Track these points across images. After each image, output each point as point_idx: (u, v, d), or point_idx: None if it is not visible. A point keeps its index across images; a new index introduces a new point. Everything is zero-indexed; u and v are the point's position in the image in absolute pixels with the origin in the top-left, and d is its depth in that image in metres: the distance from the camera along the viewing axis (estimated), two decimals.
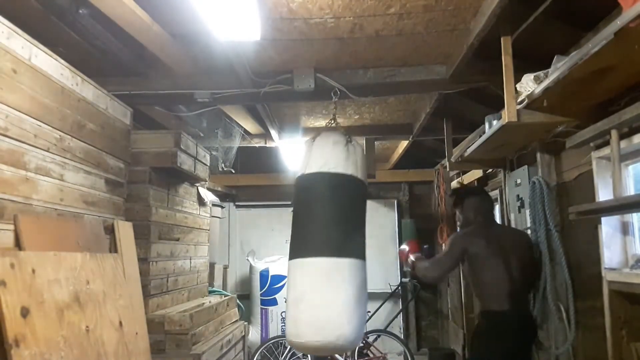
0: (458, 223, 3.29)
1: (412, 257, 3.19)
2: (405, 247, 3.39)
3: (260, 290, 6.10)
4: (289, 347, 5.24)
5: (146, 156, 3.38)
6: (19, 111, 2.05)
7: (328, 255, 2.40)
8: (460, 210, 3.14)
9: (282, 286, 6.03)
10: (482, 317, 2.88)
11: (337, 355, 5.37)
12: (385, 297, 6.20)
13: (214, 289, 5.03)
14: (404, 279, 6.33)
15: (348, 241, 2.46)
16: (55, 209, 2.30)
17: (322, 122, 4.56)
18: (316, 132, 2.67)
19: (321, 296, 2.38)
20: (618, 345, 2.36)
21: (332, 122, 2.99)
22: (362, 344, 5.49)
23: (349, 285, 2.40)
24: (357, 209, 2.57)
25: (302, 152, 2.64)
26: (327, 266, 2.41)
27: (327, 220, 2.45)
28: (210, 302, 4.06)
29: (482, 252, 2.79)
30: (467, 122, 4.14)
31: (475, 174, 4.61)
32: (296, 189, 2.64)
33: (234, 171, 5.13)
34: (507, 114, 2.53)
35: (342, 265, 2.42)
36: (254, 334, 5.99)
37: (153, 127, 4.05)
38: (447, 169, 4.61)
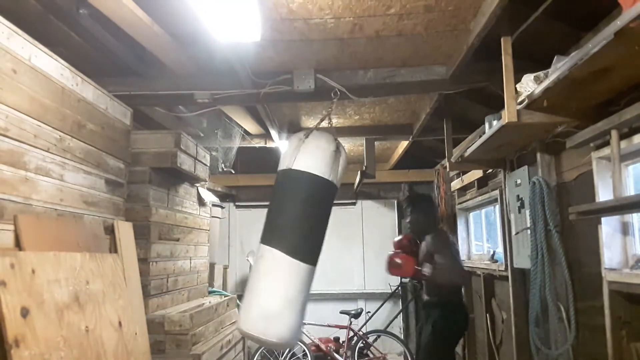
0: (412, 230, 3.75)
1: (426, 270, 3.31)
2: (398, 260, 3.50)
3: None
4: None
5: (146, 156, 3.38)
6: (19, 111, 2.05)
7: (285, 252, 2.43)
8: (416, 220, 3.70)
9: None
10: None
11: (337, 355, 5.38)
12: (385, 297, 6.20)
13: (214, 289, 5.03)
14: (403, 279, 6.33)
15: (306, 245, 2.50)
16: (55, 209, 2.30)
17: (322, 123, 4.56)
18: (308, 130, 2.68)
19: (266, 286, 2.44)
20: (618, 345, 2.36)
21: (328, 122, 2.99)
22: (362, 345, 5.50)
23: (293, 286, 2.44)
24: (326, 213, 2.61)
25: (292, 145, 2.64)
26: (281, 261, 2.44)
27: (294, 218, 2.50)
28: (210, 302, 4.06)
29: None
30: (467, 122, 4.14)
31: (475, 174, 4.61)
32: (278, 180, 2.66)
33: (234, 171, 5.13)
34: (507, 114, 2.53)
35: (293, 266, 2.45)
36: None
37: (153, 127, 4.05)
38: (447, 169, 4.61)
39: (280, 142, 4.63)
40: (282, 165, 2.64)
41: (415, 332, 6.29)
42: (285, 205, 2.53)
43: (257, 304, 2.41)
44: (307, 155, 2.53)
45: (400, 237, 4.18)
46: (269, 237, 2.53)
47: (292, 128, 4.58)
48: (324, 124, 2.95)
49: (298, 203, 2.51)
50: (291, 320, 2.40)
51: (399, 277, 6.43)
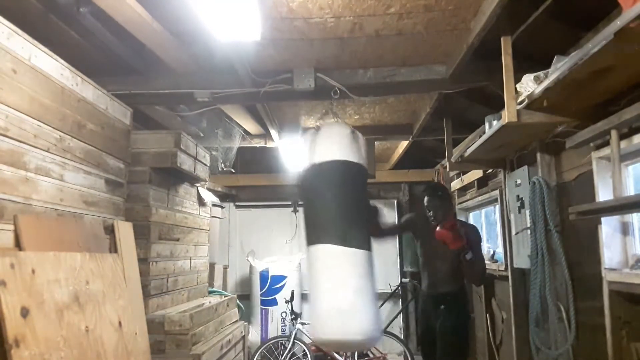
0: (436, 216, 3.33)
1: (469, 255, 3.20)
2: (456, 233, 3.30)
3: (260, 291, 6.10)
4: (289, 347, 5.24)
5: (146, 156, 3.38)
6: (19, 111, 2.05)
7: (336, 243, 2.30)
8: (443, 206, 3.33)
9: (282, 286, 6.03)
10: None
11: (336, 355, 5.37)
12: (385, 297, 6.20)
13: (214, 289, 5.03)
14: (403, 279, 6.34)
15: (354, 231, 2.37)
16: (55, 209, 2.29)
17: (322, 122, 4.56)
18: (316, 126, 2.67)
19: (329, 284, 2.29)
20: (618, 345, 2.36)
21: (334, 118, 2.99)
22: None
23: (357, 275, 2.31)
24: (362, 195, 2.53)
25: (306, 144, 2.61)
26: (336, 254, 2.32)
27: (335, 209, 2.38)
28: (210, 302, 4.06)
29: None
30: (467, 122, 4.14)
31: (475, 174, 4.61)
32: (305, 181, 2.58)
33: (234, 171, 5.13)
34: (507, 114, 2.53)
35: (349, 256, 2.32)
36: (254, 334, 5.99)
37: (153, 127, 4.05)
38: (447, 169, 4.61)
39: (280, 142, 4.63)
40: (304, 165, 2.60)
41: (416, 330, 6.29)
42: (320, 200, 2.42)
43: (326, 306, 2.23)
44: (325, 145, 2.46)
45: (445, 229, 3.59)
46: (315, 235, 2.39)
47: (292, 128, 4.57)
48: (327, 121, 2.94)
49: (333, 193, 2.39)
50: (366, 311, 2.25)
51: (399, 277, 6.43)
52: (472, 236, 3.39)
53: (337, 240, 2.29)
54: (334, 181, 2.44)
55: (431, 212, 3.31)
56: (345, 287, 2.24)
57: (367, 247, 2.41)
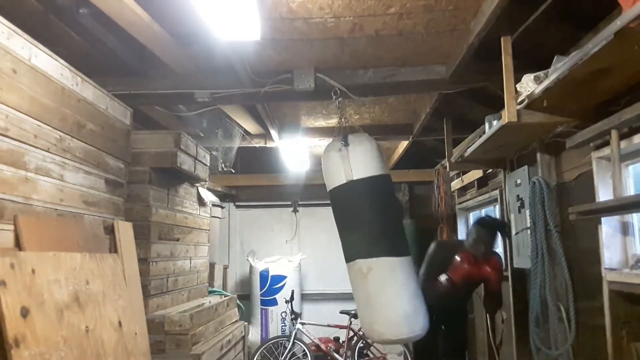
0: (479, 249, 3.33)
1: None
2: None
3: (260, 291, 6.10)
4: (289, 347, 5.24)
5: (146, 156, 3.38)
6: (19, 111, 2.05)
7: (391, 255, 2.57)
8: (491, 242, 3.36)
9: (282, 286, 6.03)
10: None
11: (336, 355, 5.38)
12: None
13: (214, 289, 5.03)
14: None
15: (399, 240, 2.65)
16: (55, 209, 2.29)
17: (322, 122, 4.56)
18: (340, 136, 2.72)
19: (391, 294, 2.58)
20: (618, 345, 2.36)
21: (344, 121, 3.02)
22: (362, 344, 5.50)
23: (410, 280, 2.62)
24: (396, 203, 2.77)
25: (334, 158, 2.67)
26: (392, 265, 2.57)
27: (384, 223, 2.60)
28: (210, 302, 4.06)
29: None
30: (467, 122, 4.14)
31: (475, 174, 4.61)
32: (344, 195, 2.69)
33: (234, 171, 5.13)
34: (507, 114, 2.53)
35: (401, 264, 2.59)
36: (254, 334, 5.99)
37: (153, 127, 4.05)
38: (447, 169, 4.61)
39: (280, 142, 4.63)
40: (337, 181, 2.65)
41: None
42: (366, 215, 2.60)
43: (394, 311, 2.55)
44: (361, 161, 2.61)
45: (467, 265, 3.40)
46: (366, 250, 2.59)
47: (292, 128, 4.57)
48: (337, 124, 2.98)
49: (379, 207, 2.61)
50: (423, 308, 2.62)
51: None
52: (499, 267, 3.39)
53: (393, 252, 2.55)
54: (376, 197, 2.62)
55: (475, 243, 3.26)
56: (407, 295, 2.57)
57: (409, 251, 2.65)
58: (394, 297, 2.51)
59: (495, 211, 4.49)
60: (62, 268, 2.13)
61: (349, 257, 2.62)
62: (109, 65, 3.03)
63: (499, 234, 3.39)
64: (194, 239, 4.16)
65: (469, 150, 3.46)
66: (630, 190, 2.53)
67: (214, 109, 3.73)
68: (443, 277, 3.27)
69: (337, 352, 5.44)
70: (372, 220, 2.57)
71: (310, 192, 6.48)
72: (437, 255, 3.40)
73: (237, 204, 6.83)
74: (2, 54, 1.96)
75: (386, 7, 2.38)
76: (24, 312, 1.84)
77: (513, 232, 3.60)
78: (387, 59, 3.04)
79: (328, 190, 2.73)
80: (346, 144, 2.65)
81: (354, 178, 2.58)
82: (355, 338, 5.50)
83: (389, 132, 4.76)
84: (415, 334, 2.67)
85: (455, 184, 5.26)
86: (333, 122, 4.49)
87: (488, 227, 3.33)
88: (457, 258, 3.23)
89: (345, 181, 2.60)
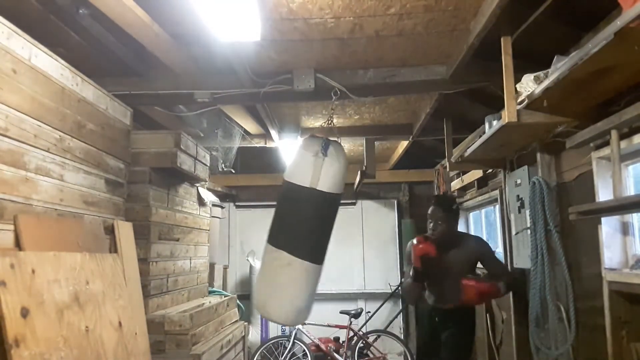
0: (435, 229, 3.28)
1: (502, 289, 3.18)
2: (471, 283, 3.17)
3: None
4: (289, 347, 5.24)
5: (146, 156, 3.38)
6: (19, 111, 2.05)
7: (305, 259, 2.71)
8: (451, 219, 3.31)
9: None
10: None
11: (336, 355, 5.38)
12: (385, 297, 6.20)
13: (214, 289, 5.03)
14: (403, 280, 6.33)
15: (321, 250, 2.80)
16: (55, 209, 2.30)
17: (322, 122, 4.56)
18: (320, 140, 2.72)
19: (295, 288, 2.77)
20: (618, 345, 2.36)
21: (329, 122, 3.02)
22: (362, 344, 5.50)
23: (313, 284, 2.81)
24: (332, 221, 2.84)
25: (307, 160, 2.68)
26: (302, 267, 2.72)
27: (311, 231, 2.74)
28: (210, 302, 4.06)
29: None
30: (467, 122, 4.14)
31: (475, 174, 4.61)
32: (299, 195, 2.74)
33: (234, 171, 5.13)
34: (507, 114, 2.53)
35: (313, 270, 2.76)
36: (254, 334, 5.99)
37: (153, 127, 4.05)
38: (447, 169, 4.61)
39: (280, 142, 4.63)
40: (300, 180, 2.69)
41: (415, 332, 6.28)
42: (312, 223, 2.74)
43: (290, 303, 2.76)
44: (331, 177, 2.67)
45: (421, 244, 3.17)
46: (297, 248, 2.73)
47: (292, 128, 4.58)
48: (322, 124, 2.97)
49: (323, 221, 2.76)
50: (309, 309, 2.87)
51: (399, 277, 6.44)
52: (483, 249, 3.34)
53: (313, 259, 2.72)
54: (328, 212, 2.76)
55: (432, 224, 3.25)
56: (306, 294, 2.77)
57: (322, 262, 2.81)
58: (296, 292, 2.72)
59: (495, 211, 4.49)
60: (62, 268, 2.13)
61: (276, 243, 2.75)
62: (109, 65, 3.03)
63: (453, 211, 3.34)
64: (194, 239, 4.16)
65: (469, 150, 3.46)
66: (630, 190, 2.53)
67: (214, 109, 3.73)
68: (409, 269, 3.30)
69: (337, 352, 5.45)
70: (312, 228, 2.72)
71: None
72: (407, 251, 3.40)
73: (237, 204, 6.83)
74: (2, 54, 1.96)
75: (386, 7, 2.38)
76: (24, 312, 1.84)
77: (513, 232, 3.61)
78: (387, 59, 3.04)
79: (285, 178, 2.76)
80: (325, 154, 2.65)
81: (318, 188, 2.65)
82: (355, 338, 5.51)
83: (389, 132, 4.75)
84: (294, 324, 3.11)
85: (455, 184, 5.26)
86: (333, 122, 4.49)
87: (439, 205, 3.30)
88: (412, 242, 3.20)
89: (307, 185, 2.66)
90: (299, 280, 2.73)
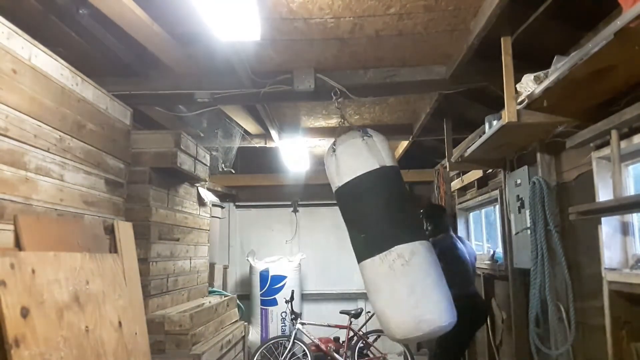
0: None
1: None
2: None
3: (260, 291, 6.10)
4: (289, 347, 5.24)
5: (146, 156, 3.38)
6: (19, 111, 2.05)
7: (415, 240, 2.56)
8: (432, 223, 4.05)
9: (282, 286, 6.03)
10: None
11: (336, 355, 5.38)
12: None
13: (214, 289, 5.03)
14: None
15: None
16: (55, 209, 2.29)
17: (322, 122, 4.57)
18: (353, 131, 2.79)
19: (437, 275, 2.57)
20: (618, 345, 2.36)
21: (343, 121, 3.04)
22: (362, 344, 5.50)
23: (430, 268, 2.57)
24: (401, 191, 2.74)
25: (330, 165, 2.74)
26: (429, 248, 2.58)
27: (402, 209, 2.62)
28: (210, 302, 4.06)
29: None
30: (467, 122, 4.14)
31: (475, 174, 4.61)
32: (378, 181, 2.70)
33: (234, 171, 5.13)
34: (507, 114, 2.53)
35: (430, 248, 2.60)
36: (254, 334, 5.99)
37: (153, 127, 4.05)
38: (447, 169, 4.61)
39: (280, 142, 4.63)
40: (368, 167, 2.68)
41: None
42: (402, 200, 2.64)
43: (443, 295, 2.50)
44: (386, 149, 2.66)
45: None
46: (410, 234, 2.59)
47: (292, 128, 4.58)
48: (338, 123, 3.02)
49: (402, 195, 2.67)
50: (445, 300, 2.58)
51: None
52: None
53: (424, 236, 2.61)
54: (403, 185, 2.72)
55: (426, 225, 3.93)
56: (443, 279, 2.55)
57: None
58: (439, 280, 2.45)
59: (495, 211, 4.49)
60: (62, 268, 2.13)
61: (381, 248, 2.47)
62: (109, 65, 3.03)
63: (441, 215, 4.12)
64: (194, 239, 4.16)
65: (469, 150, 3.47)
66: (630, 190, 2.52)
67: (214, 109, 3.73)
68: None
69: (337, 352, 5.44)
70: (403, 207, 2.59)
71: (310, 192, 6.48)
72: None
73: (237, 204, 6.83)
74: (2, 54, 1.96)
75: (386, 7, 2.38)
76: (24, 312, 1.84)
77: (513, 232, 3.61)
78: (387, 59, 3.04)
79: (353, 177, 2.64)
80: (369, 135, 2.67)
81: (387, 164, 2.62)
82: (355, 338, 5.51)
83: (389, 132, 4.72)
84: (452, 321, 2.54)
85: (455, 184, 5.26)
86: (333, 122, 4.49)
87: (429, 210, 4.08)
88: None
89: (378, 166, 2.61)
90: (432, 265, 2.48)
